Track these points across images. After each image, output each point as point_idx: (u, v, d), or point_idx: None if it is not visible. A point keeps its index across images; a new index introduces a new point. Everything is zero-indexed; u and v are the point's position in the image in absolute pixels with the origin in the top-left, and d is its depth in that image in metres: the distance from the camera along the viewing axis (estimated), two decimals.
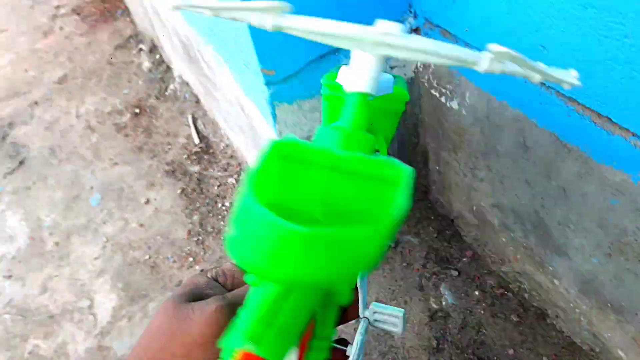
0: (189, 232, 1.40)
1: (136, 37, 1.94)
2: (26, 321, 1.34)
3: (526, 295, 1.07)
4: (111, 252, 1.40)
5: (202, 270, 0.40)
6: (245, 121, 1.17)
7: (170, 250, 1.37)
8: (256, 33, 0.78)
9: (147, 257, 1.37)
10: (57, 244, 1.47)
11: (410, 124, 1.06)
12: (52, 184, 1.59)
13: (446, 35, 0.85)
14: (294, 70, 0.86)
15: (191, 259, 1.35)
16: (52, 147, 1.69)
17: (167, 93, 1.71)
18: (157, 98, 1.72)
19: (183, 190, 1.48)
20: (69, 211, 1.52)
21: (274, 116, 0.91)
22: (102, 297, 1.34)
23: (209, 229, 1.40)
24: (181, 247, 1.37)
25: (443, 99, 0.94)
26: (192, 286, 0.37)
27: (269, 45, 0.80)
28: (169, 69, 1.76)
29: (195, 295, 0.36)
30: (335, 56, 0.88)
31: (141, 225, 1.44)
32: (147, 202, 1.48)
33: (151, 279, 1.33)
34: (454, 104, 0.92)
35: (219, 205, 1.44)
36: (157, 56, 1.81)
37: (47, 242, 1.48)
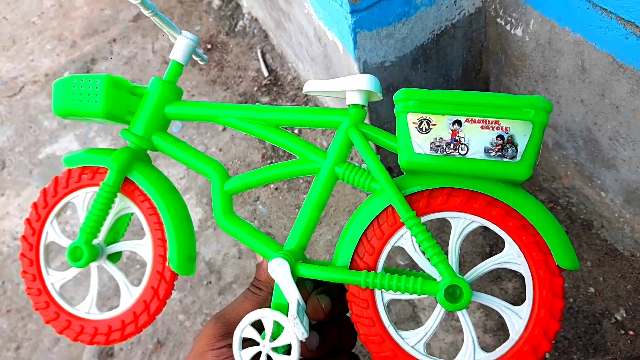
0: (263, 155, 1.56)
1: None
2: None
3: (574, 209, 1.19)
4: (194, 173, 1.58)
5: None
6: (319, 51, 1.29)
7: (247, 170, 1.54)
8: None
9: None
10: None
11: (475, 51, 1.16)
12: None
13: None
14: None
15: (270, 184, 1.51)
16: (133, 79, 1.86)
17: (236, 29, 1.84)
18: (227, 34, 1.84)
19: None
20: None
21: (355, 43, 1.03)
22: (189, 211, 1.53)
23: (281, 152, 1.55)
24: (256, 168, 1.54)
25: (508, 27, 1.04)
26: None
27: None
28: (238, 6, 1.87)
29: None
30: None
31: (220, 149, 1.60)
32: (224, 129, 1.64)
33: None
34: (518, 31, 1.02)
35: (295, 130, 1.58)
36: None
37: None
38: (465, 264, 1.22)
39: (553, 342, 0.41)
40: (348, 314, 0.46)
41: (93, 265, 0.51)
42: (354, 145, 0.46)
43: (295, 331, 0.41)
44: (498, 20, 1.06)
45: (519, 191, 0.42)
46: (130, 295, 0.49)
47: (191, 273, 0.49)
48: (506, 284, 1.17)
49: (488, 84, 1.22)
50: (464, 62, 1.17)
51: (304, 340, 0.42)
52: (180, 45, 0.51)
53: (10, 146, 1.82)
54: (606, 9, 0.83)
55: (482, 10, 1.08)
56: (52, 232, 0.53)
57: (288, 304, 0.43)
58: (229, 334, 0.44)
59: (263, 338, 0.42)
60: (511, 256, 0.43)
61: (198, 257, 1.46)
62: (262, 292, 0.46)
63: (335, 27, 1.07)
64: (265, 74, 1.71)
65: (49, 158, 1.76)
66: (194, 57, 0.57)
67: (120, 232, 0.55)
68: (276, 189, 1.50)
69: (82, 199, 0.52)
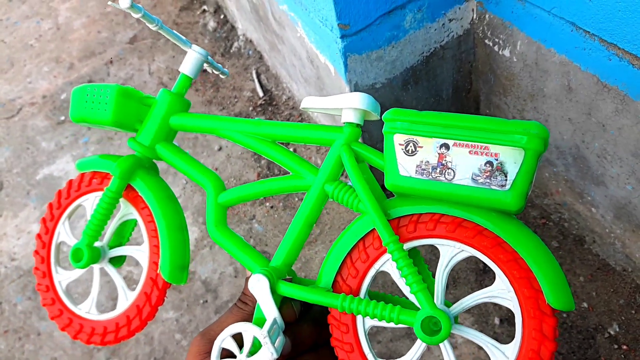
0: (258, 174, 1.58)
1: None
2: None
3: (566, 224, 1.21)
4: (191, 192, 1.60)
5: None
6: (312, 73, 1.31)
7: None
8: None
9: None
10: None
11: (465, 71, 1.18)
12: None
13: None
14: (365, 24, 0.99)
15: (262, 197, 1.53)
16: None
17: (231, 50, 1.86)
18: (223, 55, 1.87)
19: None
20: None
21: (346, 66, 1.05)
22: None
23: (276, 171, 1.57)
24: None
25: (496, 48, 1.06)
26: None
27: (347, 3, 0.94)
28: (233, 28, 1.90)
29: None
30: (401, 11, 1.00)
31: (216, 168, 1.62)
32: (220, 149, 1.66)
33: (228, 214, 1.52)
34: (506, 52, 1.04)
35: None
36: (222, 16, 1.95)
37: None
38: (459, 280, 1.23)
39: None
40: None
41: (96, 267, 0.52)
42: None
43: (265, 350, 0.40)
44: (486, 41, 1.08)
45: (512, 222, 0.39)
46: (126, 299, 0.51)
47: (182, 282, 0.50)
48: None
49: (478, 103, 1.24)
50: (454, 82, 1.20)
51: None
52: (190, 58, 0.53)
53: (7, 167, 1.83)
54: (589, 32, 0.85)
55: (471, 32, 1.10)
56: (63, 233, 0.55)
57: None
58: None
59: (241, 352, 0.41)
60: (501, 290, 0.39)
61: (194, 276, 1.47)
62: (248, 307, 0.46)
63: (326, 51, 1.10)
64: (261, 94, 1.73)
65: (47, 179, 1.77)
66: (214, 71, 0.58)
67: (126, 236, 0.56)
68: (272, 207, 1.51)
69: (91, 202, 0.54)
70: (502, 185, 0.38)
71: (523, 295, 0.38)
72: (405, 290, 0.42)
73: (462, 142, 0.39)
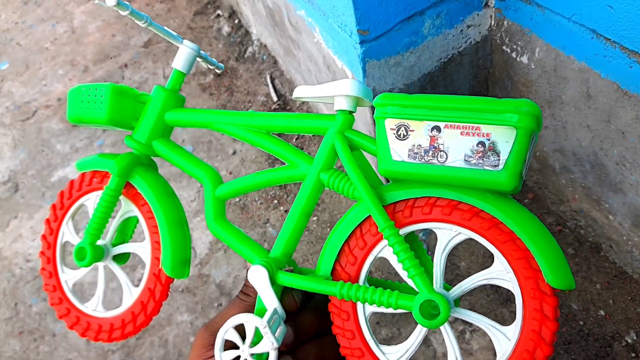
0: None
1: (213, 3, 2.10)
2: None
3: (582, 231, 1.20)
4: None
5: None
6: (328, 78, 1.32)
7: (258, 194, 1.56)
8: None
9: (237, 199, 1.56)
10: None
11: (482, 77, 1.19)
12: None
13: None
14: (384, 30, 1.00)
15: (276, 201, 1.53)
16: None
17: (246, 55, 1.88)
18: (237, 60, 1.88)
19: None
20: (165, 160, 1.72)
21: (364, 71, 1.06)
22: (200, 233, 1.55)
23: None
24: (267, 191, 1.56)
25: (514, 55, 1.06)
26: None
27: (366, 9, 0.94)
28: (247, 32, 1.91)
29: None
30: (420, 17, 1.01)
31: (230, 172, 1.63)
32: (234, 153, 1.67)
33: (242, 217, 1.53)
34: (524, 59, 1.04)
35: None
36: (236, 21, 1.97)
37: None
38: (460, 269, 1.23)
39: None
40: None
41: (100, 265, 0.53)
42: None
43: (266, 340, 0.40)
44: (504, 47, 1.08)
45: (509, 202, 0.39)
46: (130, 295, 0.51)
47: (184, 276, 0.50)
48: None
49: None
50: (471, 88, 1.20)
51: (273, 351, 0.40)
52: (182, 54, 0.53)
53: (23, 169, 1.85)
54: (610, 39, 0.85)
55: (488, 39, 1.11)
56: (67, 233, 0.55)
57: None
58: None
59: (244, 343, 0.41)
60: (500, 272, 0.39)
61: (209, 279, 1.47)
62: (250, 299, 0.46)
63: (344, 56, 1.10)
64: (275, 98, 1.74)
65: (61, 181, 1.78)
66: (209, 66, 0.58)
67: (128, 234, 0.57)
68: (286, 211, 1.52)
69: (92, 202, 0.54)
70: (495, 166, 0.37)
71: (522, 276, 0.38)
72: (404, 275, 0.41)
73: (453, 123, 0.38)
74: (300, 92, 0.47)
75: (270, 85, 1.77)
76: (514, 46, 1.05)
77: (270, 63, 1.81)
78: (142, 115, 0.53)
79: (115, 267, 0.53)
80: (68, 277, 0.55)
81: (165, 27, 0.54)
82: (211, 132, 1.73)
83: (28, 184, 1.81)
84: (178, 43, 0.53)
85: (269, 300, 0.42)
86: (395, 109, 0.40)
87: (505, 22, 1.05)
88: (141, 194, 0.52)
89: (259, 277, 0.43)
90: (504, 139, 0.37)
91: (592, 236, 1.18)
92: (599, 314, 1.12)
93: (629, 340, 1.08)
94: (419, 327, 0.41)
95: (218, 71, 0.61)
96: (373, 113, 0.42)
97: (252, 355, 0.41)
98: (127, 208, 0.53)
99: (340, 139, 0.44)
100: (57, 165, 1.83)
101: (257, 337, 0.41)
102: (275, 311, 0.41)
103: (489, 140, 0.37)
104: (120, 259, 0.55)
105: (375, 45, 1.02)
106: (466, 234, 0.40)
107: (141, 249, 0.52)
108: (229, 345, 0.42)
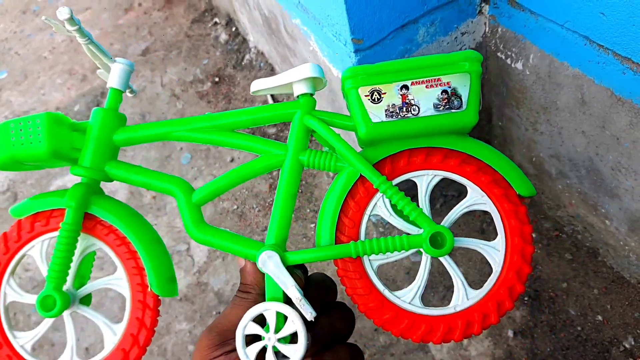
0: (270, 185, 1.58)
1: (211, 11, 2.11)
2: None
3: (579, 237, 1.21)
4: None
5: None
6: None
7: (255, 201, 1.56)
8: (351, 7, 0.92)
9: (235, 207, 1.57)
10: (154, 197, 1.68)
11: None
12: (146, 146, 1.80)
13: (513, 4, 0.97)
14: (379, 38, 1.00)
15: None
16: (142, 113, 1.90)
17: (243, 63, 1.88)
18: (234, 67, 1.89)
19: None
20: (162, 169, 1.73)
21: None
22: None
23: None
24: (264, 199, 1.56)
25: (508, 61, 1.07)
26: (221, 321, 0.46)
27: (360, 18, 0.95)
28: (244, 40, 1.92)
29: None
30: (414, 25, 1.01)
31: None
32: (232, 160, 1.67)
33: (240, 225, 1.53)
34: (519, 65, 1.05)
35: None
36: (233, 29, 1.97)
37: (145, 196, 1.70)
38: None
39: (531, 264, 0.46)
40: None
41: (66, 314, 0.48)
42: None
43: (303, 312, 0.41)
44: (498, 54, 1.09)
45: (470, 139, 0.47)
46: (114, 334, 0.48)
47: (174, 294, 0.48)
48: (514, 312, 1.17)
49: (491, 115, 1.25)
50: None
51: (312, 320, 0.41)
52: (116, 71, 0.51)
53: (22, 179, 1.85)
54: (603, 46, 0.85)
55: (483, 45, 1.11)
56: (10, 292, 0.49)
57: (283, 297, 0.44)
58: (224, 342, 0.44)
59: (267, 331, 0.42)
60: (476, 198, 0.47)
61: (207, 287, 1.47)
62: (251, 295, 0.46)
63: (339, 65, 1.11)
64: None
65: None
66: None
67: (87, 273, 0.53)
68: None
69: (39, 249, 0.49)
70: (459, 107, 0.45)
71: (494, 195, 0.46)
72: (399, 224, 0.47)
73: (417, 80, 0.45)
74: (258, 86, 0.49)
75: (269, 95, 1.77)
76: (509, 52, 1.05)
77: (267, 70, 1.81)
78: (87, 141, 0.49)
79: (85, 310, 0.49)
80: (24, 340, 0.49)
81: (102, 47, 0.52)
82: None
83: (27, 193, 1.81)
84: (110, 62, 0.51)
85: (286, 280, 0.44)
86: (365, 77, 0.45)
87: (499, 29, 1.05)
88: (101, 224, 0.49)
89: (272, 262, 0.44)
90: (462, 83, 0.44)
91: (589, 241, 1.19)
92: (596, 319, 1.12)
93: (627, 346, 1.08)
94: (422, 263, 0.46)
95: (130, 95, 0.57)
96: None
97: (278, 340, 0.42)
98: (86, 243, 0.49)
99: (312, 118, 0.47)
100: (55, 175, 1.83)
101: (279, 322, 0.43)
102: (297, 287, 0.43)
103: (450, 87, 0.44)
104: (84, 302, 0.50)
105: (370, 53, 1.02)
106: (441, 174, 0.47)
107: (114, 280, 0.49)
108: (247, 341, 0.43)
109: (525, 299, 1.18)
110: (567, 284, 1.18)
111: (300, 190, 1.56)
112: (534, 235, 1.25)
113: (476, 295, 0.46)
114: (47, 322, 0.48)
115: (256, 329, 0.42)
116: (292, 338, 0.43)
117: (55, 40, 2.34)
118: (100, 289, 0.51)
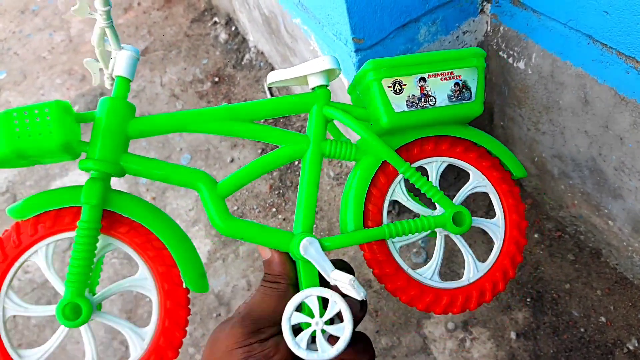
0: (271, 186, 1.58)
1: (210, 10, 2.10)
2: (132, 264, 1.56)
3: (582, 237, 1.20)
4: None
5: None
6: None
7: (255, 202, 1.55)
8: (352, 7, 0.91)
9: (235, 207, 1.56)
10: (154, 198, 1.68)
11: None
12: (146, 146, 1.79)
13: (516, 3, 0.96)
14: (380, 38, 0.99)
15: (274, 210, 1.53)
16: (141, 113, 1.89)
17: (243, 62, 1.87)
18: (234, 67, 1.88)
19: (263, 150, 1.66)
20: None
21: None
22: (198, 242, 1.54)
23: (288, 183, 1.57)
24: (265, 199, 1.55)
25: (510, 60, 1.06)
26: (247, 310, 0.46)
27: (361, 17, 0.94)
28: (244, 40, 1.91)
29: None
30: (416, 24, 1.00)
31: None
32: (232, 160, 1.66)
33: None
34: (521, 65, 1.04)
35: (295, 162, 1.60)
36: (233, 28, 1.96)
37: (145, 197, 1.69)
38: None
39: (526, 236, 0.53)
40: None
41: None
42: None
43: (355, 293, 0.41)
44: (500, 53, 1.08)
45: (471, 128, 0.53)
46: (142, 339, 0.45)
47: (206, 289, 0.47)
48: (516, 313, 1.16)
49: (492, 115, 1.24)
50: None
51: (365, 299, 0.42)
52: (123, 58, 0.47)
53: (21, 180, 1.85)
54: (606, 45, 0.84)
55: (484, 44, 1.10)
56: (11, 305, 0.44)
57: (319, 283, 0.46)
58: (259, 330, 0.43)
59: (312, 317, 0.43)
60: (478, 181, 0.52)
61: None
62: (281, 285, 0.46)
63: (341, 65, 1.10)
64: None
65: None
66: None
67: (96, 277, 0.49)
68: (284, 219, 1.51)
69: (43, 254, 0.45)
70: (469, 98, 0.49)
71: (493, 178, 0.52)
72: (416, 207, 0.51)
73: (434, 73, 0.49)
74: (274, 77, 0.51)
75: (267, 92, 1.76)
76: (511, 52, 1.04)
77: (267, 70, 1.80)
78: (97, 133, 0.45)
79: (107, 317, 0.45)
80: (32, 359, 0.44)
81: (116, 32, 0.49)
82: (208, 140, 1.73)
83: (26, 194, 1.80)
84: (118, 49, 0.48)
85: (328, 266, 0.44)
86: (388, 70, 0.48)
87: (501, 28, 1.04)
88: (119, 222, 0.46)
89: (313, 248, 0.45)
90: (471, 77, 0.49)
91: (592, 242, 1.18)
92: (600, 321, 1.11)
93: (631, 347, 1.07)
94: (438, 243, 0.51)
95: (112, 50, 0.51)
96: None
97: (325, 323, 0.43)
98: (102, 244, 0.46)
99: (332, 108, 0.49)
100: (55, 176, 1.83)
101: (321, 308, 0.44)
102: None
103: (461, 80, 0.49)
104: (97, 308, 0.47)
105: (371, 53, 1.01)
106: (448, 161, 0.52)
107: (139, 281, 0.46)
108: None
109: (528, 300, 1.17)
110: (570, 285, 1.17)
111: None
112: (536, 235, 1.24)
113: (484, 267, 0.51)
114: (60, 334, 0.44)
115: (301, 318, 0.43)
116: (332, 321, 0.44)
117: (54, 40, 2.33)
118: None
